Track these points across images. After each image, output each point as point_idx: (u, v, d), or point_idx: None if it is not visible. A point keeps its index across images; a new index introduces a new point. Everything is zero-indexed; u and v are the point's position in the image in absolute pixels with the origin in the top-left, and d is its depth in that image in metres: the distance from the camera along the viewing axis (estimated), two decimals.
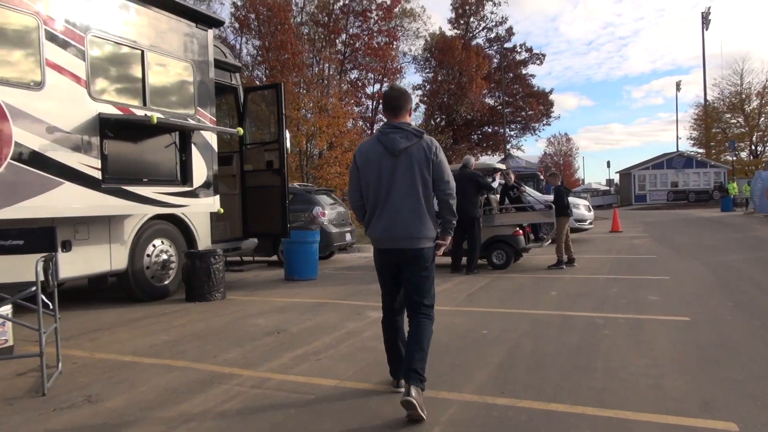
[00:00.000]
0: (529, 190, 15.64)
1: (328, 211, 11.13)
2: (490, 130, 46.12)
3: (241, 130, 7.52)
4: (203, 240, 7.95)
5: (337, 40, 33.12)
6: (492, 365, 4.15)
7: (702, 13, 50.89)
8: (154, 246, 7.27)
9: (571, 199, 15.87)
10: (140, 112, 6.27)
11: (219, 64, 8.40)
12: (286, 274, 9.12)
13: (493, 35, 45.09)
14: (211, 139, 7.35)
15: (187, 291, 7.27)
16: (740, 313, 5.70)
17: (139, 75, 6.34)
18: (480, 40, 44.74)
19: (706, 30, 50.89)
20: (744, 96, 46.50)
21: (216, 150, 7.46)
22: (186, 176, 6.91)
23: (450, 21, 44.39)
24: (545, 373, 3.93)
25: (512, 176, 11.20)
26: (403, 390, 3.17)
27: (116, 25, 6.18)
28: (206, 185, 7.26)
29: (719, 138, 48.54)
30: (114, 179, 6.05)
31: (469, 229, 9.18)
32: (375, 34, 34.14)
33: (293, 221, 10.80)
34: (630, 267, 9.50)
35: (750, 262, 9.54)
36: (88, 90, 5.79)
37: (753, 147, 46.93)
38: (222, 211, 7.53)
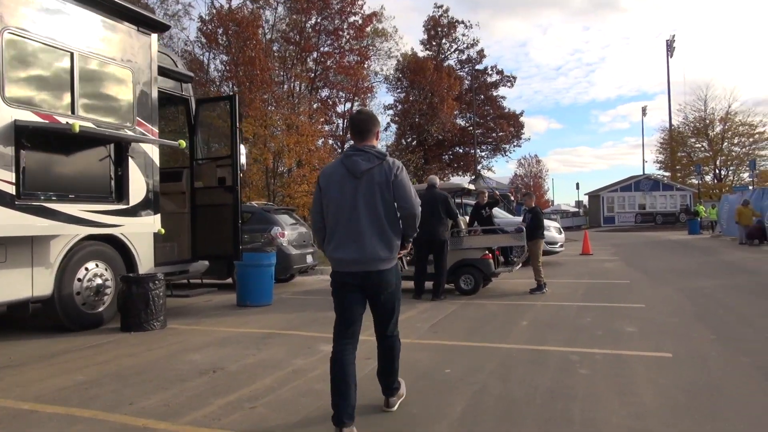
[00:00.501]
0: (501, 212, 15.29)
1: (288, 231, 10.48)
2: (461, 150, 46.12)
3: (183, 143, 6.87)
4: (145, 262, 7.23)
5: (308, 58, 32.71)
6: (454, 415, 3.57)
7: (666, 40, 52.38)
8: (86, 269, 6.53)
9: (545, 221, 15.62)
10: (68, 121, 5.59)
11: (168, 73, 7.80)
12: (238, 300, 8.43)
13: (464, 57, 45.41)
14: (153, 152, 6.69)
15: (123, 320, 6.54)
16: (725, 349, 5.24)
17: (68, 79, 5.66)
18: (452, 62, 44.97)
19: (671, 57, 52.22)
20: (708, 121, 47.58)
21: (158, 165, 6.79)
22: (121, 193, 6.22)
23: (422, 42, 44.58)
24: (515, 425, 3.37)
25: (485, 195, 10.71)
26: None
27: (41, 23, 5.52)
28: (145, 203, 6.58)
29: (684, 162, 49.44)
30: (32, 195, 5.33)
31: (436, 252, 8.66)
32: (346, 52, 33.84)
33: (251, 242, 10.15)
34: (603, 293, 9.07)
35: (726, 290, 9.20)
36: (2, 94, 5.10)
37: (717, 171, 47.84)
38: (163, 231, 6.84)
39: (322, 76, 33.83)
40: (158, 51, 7.80)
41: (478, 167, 43.85)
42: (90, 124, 5.75)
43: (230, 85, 25.54)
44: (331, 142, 38.32)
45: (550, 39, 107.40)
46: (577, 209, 56.74)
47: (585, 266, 13.55)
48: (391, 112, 42.10)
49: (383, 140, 39.98)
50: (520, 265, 9.73)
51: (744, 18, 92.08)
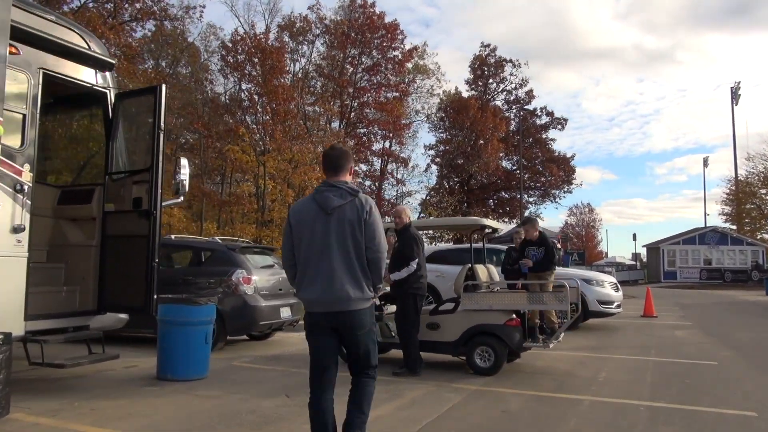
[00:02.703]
0: None
1: (259, 276, 8.08)
2: (507, 195, 43.29)
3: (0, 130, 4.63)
4: (6, 313, 4.97)
5: (343, 93, 31.10)
6: None
7: (731, 87, 48.43)
8: None
9: (596, 275, 12.66)
10: None
11: (74, 54, 5.74)
12: (158, 371, 6.06)
13: (512, 97, 43.08)
14: None
15: None
16: None
17: None
18: (498, 102, 42.71)
19: (736, 105, 48.17)
20: None
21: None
22: None
23: (467, 81, 42.58)
24: None
25: (534, 231, 7.69)
26: None
27: None
28: None
29: (754, 215, 44.92)
30: None
31: (399, 308, 6.60)
32: (384, 88, 32.04)
33: (206, 288, 7.89)
34: (683, 384, 6.20)
35: None
36: None
37: None
38: None
39: (358, 112, 32.09)
40: (60, 23, 5.79)
41: (525, 213, 40.84)
42: None
43: (254, 117, 23.95)
44: (368, 183, 36.48)
45: (603, 90, 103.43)
46: (633, 262, 52.36)
47: (650, 334, 10.56)
48: (432, 152, 39.90)
49: (424, 181, 37.80)
50: (562, 336, 6.98)
51: None
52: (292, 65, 28.85)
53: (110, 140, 6.09)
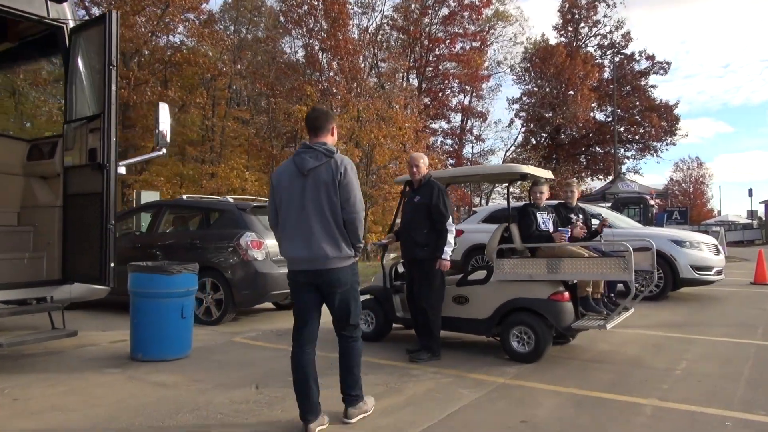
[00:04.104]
0: (622, 219, 10.72)
1: (273, 240, 7.11)
2: (600, 150, 39.92)
3: None
4: None
5: (417, 46, 29.42)
6: None
7: None
8: None
9: (690, 235, 10.65)
10: None
11: None
12: (131, 349, 5.26)
13: (606, 42, 39.19)
14: None
15: None
16: None
17: None
18: (591, 48, 39.04)
19: None
20: None
21: None
22: None
23: (556, 27, 39.18)
24: None
25: (576, 191, 6.43)
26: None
27: None
28: None
29: None
30: None
31: (418, 276, 5.25)
32: (459, 37, 29.96)
33: (213, 253, 7.04)
34: None
35: None
36: None
37: None
38: None
39: (434, 65, 30.30)
40: None
41: (621, 168, 37.41)
42: None
43: (318, 76, 22.98)
44: (449, 141, 34.89)
45: (717, 34, 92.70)
46: (749, 220, 47.02)
47: (759, 308, 8.58)
48: (516, 106, 37.31)
49: (505, 138, 35.59)
50: (625, 313, 5.43)
51: None
52: (365, 20, 27.48)
53: (67, 83, 5.23)
